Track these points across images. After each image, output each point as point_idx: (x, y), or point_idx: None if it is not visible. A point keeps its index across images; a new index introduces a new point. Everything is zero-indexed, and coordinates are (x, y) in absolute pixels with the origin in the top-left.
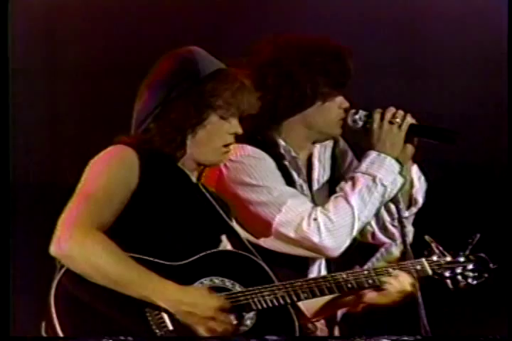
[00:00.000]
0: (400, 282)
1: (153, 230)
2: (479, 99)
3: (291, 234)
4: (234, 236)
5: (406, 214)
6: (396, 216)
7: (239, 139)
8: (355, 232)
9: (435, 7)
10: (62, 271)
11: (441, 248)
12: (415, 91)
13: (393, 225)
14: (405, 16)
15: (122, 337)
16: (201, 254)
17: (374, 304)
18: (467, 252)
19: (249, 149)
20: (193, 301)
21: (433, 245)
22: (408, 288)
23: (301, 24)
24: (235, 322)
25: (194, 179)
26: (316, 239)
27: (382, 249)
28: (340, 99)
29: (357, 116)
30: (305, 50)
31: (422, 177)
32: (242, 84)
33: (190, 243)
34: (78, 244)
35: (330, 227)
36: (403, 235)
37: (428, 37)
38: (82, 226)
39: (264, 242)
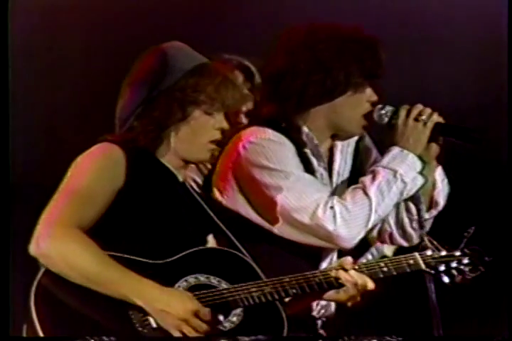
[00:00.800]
0: (354, 278)
1: (139, 229)
2: (478, 95)
3: (306, 221)
4: (221, 234)
5: (426, 216)
6: (415, 217)
7: (262, 123)
8: (370, 225)
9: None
10: (42, 271)
11: (435, 242)
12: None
13: (412, 227)
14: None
15: (105, 338)
16: (186, 252)
17: (333, 301)
18: (462, 246)
19: (270, 133)
20: (169, 300)
21: (426, 239)
22: (359, 283)
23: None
24: (221, 318)
25: (181, 177)
26: (330, 227)
27: (373, 249)
28: (369, 92)
29: (383, 111)
30: (340, 37)
31: (446, 180)
32: (226, 79)
33: (176, 241)
34: (56, 243)
35: (346, 217)
36: (421, 236)
37: (427, 31)
38: (62, 225)
39: (277, 229)
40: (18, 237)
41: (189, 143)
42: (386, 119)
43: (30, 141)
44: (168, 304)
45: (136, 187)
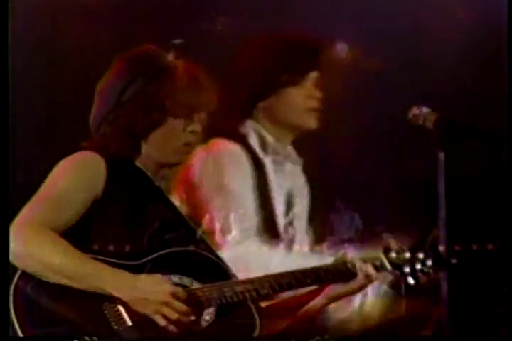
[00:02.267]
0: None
1: (116, 232)
2: (478, 96)
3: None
4: (195, 237)
5: None
6: None
7: (222, 135)
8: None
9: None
10: (18, 273)
11: (399, 244)
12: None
13: None
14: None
15: (87, 338)
16: (159, 253)
17: (338, 296)
18: (426, 248)
19: (229, 146)
20: (146, 287)
21: (391, 242)
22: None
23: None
24: (193, 317)
25: (156, 182)
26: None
27: None
28: (308, 87)
29: (417, 111)
30: (275, 42)
31: None
32: (192, 81)
33: (151, 244)
34: (29, 244)
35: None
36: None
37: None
38: (32, 226)
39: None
40: None
41: (163, 148)
42: (421, 120)
43: (30, 141)
44: (146, 291)
45: (115, 193)
